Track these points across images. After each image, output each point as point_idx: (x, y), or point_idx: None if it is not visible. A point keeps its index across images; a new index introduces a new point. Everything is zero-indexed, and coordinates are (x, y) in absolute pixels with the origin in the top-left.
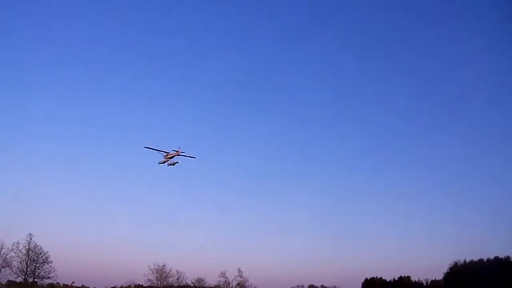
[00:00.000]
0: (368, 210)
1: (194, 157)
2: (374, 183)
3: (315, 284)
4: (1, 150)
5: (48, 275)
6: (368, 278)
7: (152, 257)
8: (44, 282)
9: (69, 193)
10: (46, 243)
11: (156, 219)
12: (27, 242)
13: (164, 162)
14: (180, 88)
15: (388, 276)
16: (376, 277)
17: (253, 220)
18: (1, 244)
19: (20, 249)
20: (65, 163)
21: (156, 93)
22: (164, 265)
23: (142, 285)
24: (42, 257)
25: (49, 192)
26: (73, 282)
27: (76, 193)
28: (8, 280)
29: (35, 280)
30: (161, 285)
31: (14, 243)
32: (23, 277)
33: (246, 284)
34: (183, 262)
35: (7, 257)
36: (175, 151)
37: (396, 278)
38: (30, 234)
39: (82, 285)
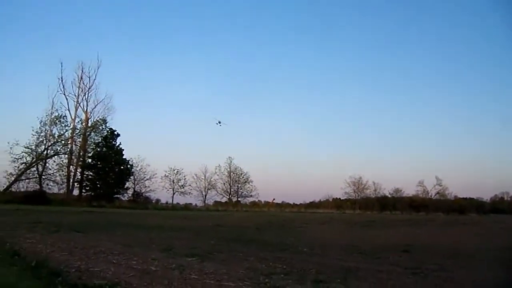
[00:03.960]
0: None
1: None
2: None
3: None
4: None
5: (250, 194)
6: None
7: (348, 170)
8: (247, 201)
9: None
10: (245, 164)
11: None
12: (227, 164)
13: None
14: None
15: None
16: None
17: (450, 126)
18: (205, 168)
19: (222, 171)
20: None
21: None
22: (360, 177)
23: (339, 198)
24: (243, 177)
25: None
26: (273, 199)
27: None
28: (215, 201)
29: (238, 199)
30: (359, 197)
31: (216, 166)
32: (228, 197)
33: (446, 192)
34: (379, 173)
35: (211, 179)
36: None
37: None
38: (229, 157)
39: (283, 201)
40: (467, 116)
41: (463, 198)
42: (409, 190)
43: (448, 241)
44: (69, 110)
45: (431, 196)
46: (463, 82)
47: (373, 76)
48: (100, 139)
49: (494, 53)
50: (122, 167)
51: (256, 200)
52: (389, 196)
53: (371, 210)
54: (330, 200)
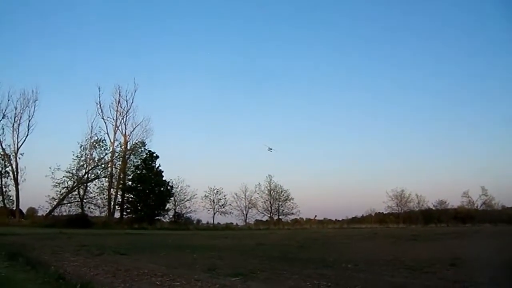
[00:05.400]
0: None
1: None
2: None
3: None
4: None
5: (291, 211)
6: None
7: (390, 183)
8: (288, 218)
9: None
10: (285, 182)
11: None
12: (267, 183)
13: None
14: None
15: None
16: None
17: (494, 132)
18: (245, 187)
19: (262, 189)
20: None
21: None
22: (402, 190)
23: (382, 212)
24: (283, 195)
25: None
26: (315, 216)
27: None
28: (256, 220)
29: (280, 217)
30: (402, 211)
31: (256, 185)
32: (269, 215)
33: (493, 202)
34: (422, 185)
35: (252, 198)
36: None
37: None
38: (269, 175)
39: (324, 218)
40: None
41: None
42: (454, 201)
43: (496, 253)
44: (108, 133)
45: (477, 207)
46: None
47: (414, 83)
48: (139, 161)
49: None
50: (162, 189)
51: (298, 218)
52: (433, 208)
53: (415, 223)
54: (373, 214)
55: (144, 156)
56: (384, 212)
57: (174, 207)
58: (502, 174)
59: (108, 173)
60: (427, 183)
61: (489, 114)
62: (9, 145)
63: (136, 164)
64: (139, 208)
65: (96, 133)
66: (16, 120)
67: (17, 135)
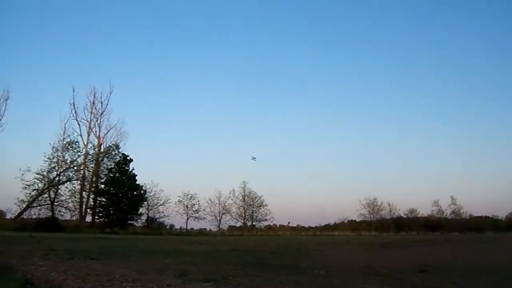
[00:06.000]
0: None
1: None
2: None
3: None
4: None
5: (265, 218)
6: None
7: (363, 192)
8: (262, 225)
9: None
10: (259, 188)
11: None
12: (242, 188)
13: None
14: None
15: None
16: None
17: (465, 145)
18: (219, 193)
19: (237, 195)
20: None
21: None
22: (375, 199)
23: (355, 220)
24: (257, 201)
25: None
26: (289, 223)
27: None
28: (229, 226)
29: (253, 223)
30: (374, 219)
31: (230, 190)
32: (242, 222)
33: (461, 211)
34: (394, 194)
35: (226, 204)
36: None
37: None
38: (244, 181)
39: (298, 225)
40: (480, 133)
41: (479, 216)
42: (424, 210)
43: (464, 260)
44: (81, 135)
45: (446, 215)
46: (477, 102)
47: (387, 96)
48: (113, 164)
49: None
50: (135, 193)
51: (271, 224)
52: (405, 216)
53: (386, 231)
54: (346, 222)
55: (117, 159)
56: (357, 220)
57: (147, 212)
58: (470, 184)
59: (81, 175)
60: (399, 191)
61: (458, 125)
62: None
63: (110, 167)
64: (112, 212)
65: (69, 135)
66: None
67: None
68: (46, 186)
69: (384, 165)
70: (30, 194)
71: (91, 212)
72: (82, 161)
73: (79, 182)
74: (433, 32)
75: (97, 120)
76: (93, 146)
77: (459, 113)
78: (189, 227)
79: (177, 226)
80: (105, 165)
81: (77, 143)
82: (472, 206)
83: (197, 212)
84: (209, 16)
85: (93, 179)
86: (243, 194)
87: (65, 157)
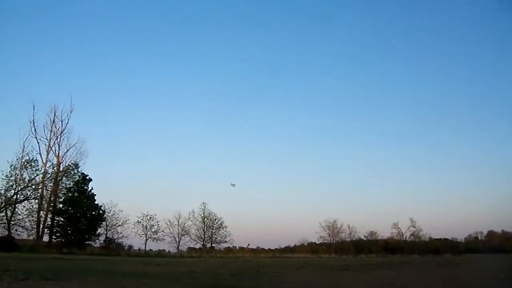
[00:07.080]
0: None
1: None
2: None
3: (495, 229)
4: None
5: (225, 240)
6: None
7: (323, 214)
8: (221, 247)
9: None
10: (219, 210)
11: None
12: (201, 210)
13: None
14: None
15: None
16: None
17: (423, 169)
18: (179, 214)
19: (196, 217)
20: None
21: None
22: (335, 221)
23: (314, 242)
24: (217, 223)
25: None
26: (248, 245)
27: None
28: (188, 247)
29: (213, 245)
30: (334, 241)
31: (189, 212)
32: (202, 243)
33: (420, 234)
34: (354, 216)
35: (185, 225)
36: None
37: None
38: (203, 203)
39: (257, 247)
40: (436, 157)
41: (438, 239)
42: (384, 232)
43: (423, 283)
44: (40, 154)
45: (406, 238)
46: (429, 130)
47: (348, 116)
48: (71, 184)
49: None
50: (94, 213)
51: (231, 246)
52: (364, 239)
53: (346, 253)
54: (305, 244)
55: (76, 179)
56: (317, 242)
57: (105, 232)
58: (430, 207)
59: (39, 194)
60: (359, 214)
61: (417, 149)
62: None
63: (68, 186)
64: (69, 232)
65: (28, 153)
66: None
67: None
68: (3, 204)
69: (344, 187)
70: None
71: (48, 231)
72: (41, 179)
73: (37, 201)
74: None
75: (57, 139)
76: (52, 165)
77: (419, 137)
78: (147, 248)
79: (135, 247)
80: (63, 184)
81: (36, 162)
82: (431, 229)
83: (156, 233)
84: (177, 36)
85: (52, 198)
86: (202, 215)
87: (23, 176)
